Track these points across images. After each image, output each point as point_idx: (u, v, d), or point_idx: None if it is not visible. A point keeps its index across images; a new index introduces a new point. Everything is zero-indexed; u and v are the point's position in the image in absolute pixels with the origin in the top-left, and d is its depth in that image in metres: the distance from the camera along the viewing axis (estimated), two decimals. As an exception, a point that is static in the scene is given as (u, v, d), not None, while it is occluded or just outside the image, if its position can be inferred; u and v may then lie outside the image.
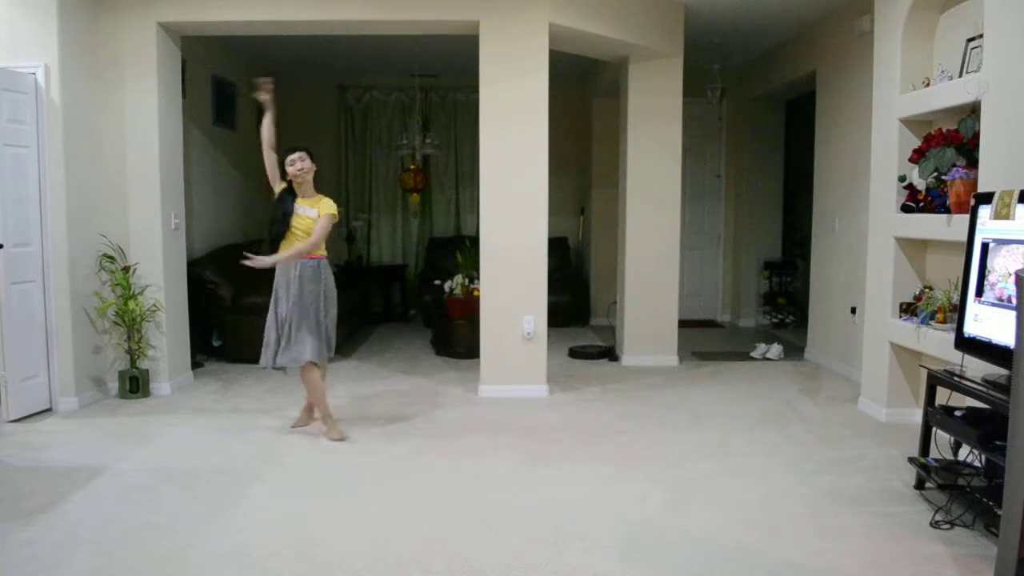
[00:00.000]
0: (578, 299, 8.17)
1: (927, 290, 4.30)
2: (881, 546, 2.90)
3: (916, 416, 4.27)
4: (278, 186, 4.18)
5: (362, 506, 3.30)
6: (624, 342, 6.26)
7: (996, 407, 2.91)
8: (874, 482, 3.55)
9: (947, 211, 3.96)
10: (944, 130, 4.03)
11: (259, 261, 3.91)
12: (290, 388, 5.39)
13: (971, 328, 3.23)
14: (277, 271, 4.12)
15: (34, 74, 4.58)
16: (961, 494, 3.11)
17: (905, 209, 4.39)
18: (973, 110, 3.86)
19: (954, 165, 3.89)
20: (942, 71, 4.12)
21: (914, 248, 4.46)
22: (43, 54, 4.60)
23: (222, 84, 7.00)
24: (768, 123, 8.00)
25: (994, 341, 3.05)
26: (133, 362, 5.05)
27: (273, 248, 4.09)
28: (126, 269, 5.00)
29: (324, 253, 4.16)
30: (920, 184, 4.28)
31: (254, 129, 7.81)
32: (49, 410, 4.73)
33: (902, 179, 4.41)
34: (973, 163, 3.79)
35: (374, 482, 3.59)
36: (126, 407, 4.86)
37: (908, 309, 4.35)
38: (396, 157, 8.62)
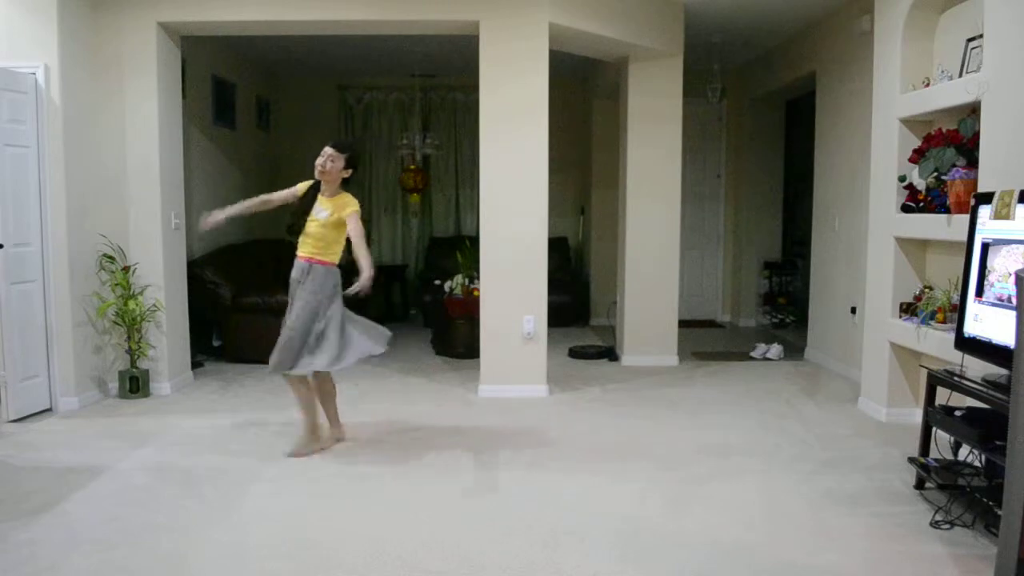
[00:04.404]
0: (578, 299, 8.17)
1: (927, 290, 4.30)
2: (881, 546, 2.90)
3: (916, 416, 4.27)
4: (303, 184, 3.98)
5: (361, 506, 3.30)
6: (624, 342, 6.25)
7: (996, 407, 2.90)
8: (874, 482, 3.55)
9: (947, 211, 3.96)
10: (944, 130, 4.03)
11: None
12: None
13: (971, 328, 3.23)
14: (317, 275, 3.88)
15: (34, 74, 4.58)
16: (961, 494, 3.11)
17: (905, 209, 4.39)
18: (973, 110, 3.86)
19: (954, 165, 3.88)
20: (942, 71, 4.12)
21: (914, 248, 4.46)
22: (43, 54, 4.60)
23: (222, 84, 7.00)
24: (768, 123, 8.00)
25: (994, 341, 3.05)
26: (133, 362, 5.05)
27: (294, 239, 3.93)
28: (126, 269, 5.00)
29: (330, 260, 3.90)
30: (920, 184, 4.28)
31: (254, 129, 7.84)
32: (49, 410, 4.73)
33: (902, 179, 4.41)
34: (973, 163, 3.79)
35: (373, 482, 3.58)
36: (126, 407, 4.86)
37: (908, 309, 4.35)
38: (396, 157, 8.63)
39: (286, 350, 3.82)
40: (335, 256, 3.93)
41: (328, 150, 3.87)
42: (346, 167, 3.89)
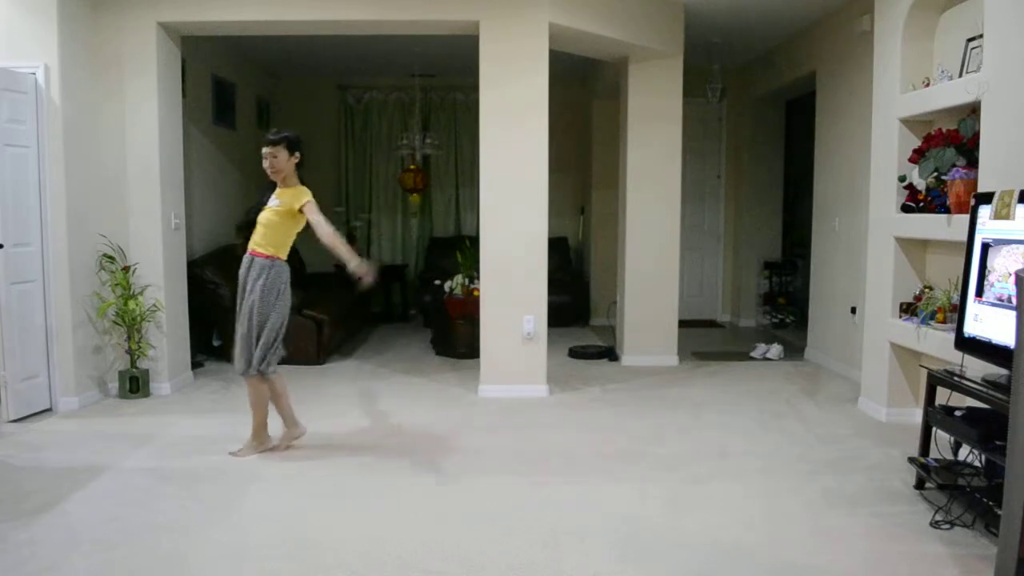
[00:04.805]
0: (578, 299, 8.16)
1: (927, 290, 4.30)
2: (881, 546, 2.90)
3: (916, 416, 4.27)
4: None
5: (361, 506, 3.30)
6: (624, 342, 6.25)
7: (996, 407, 2.90)
8: (874, 482, 3.55)
9: (947, 211, 3.96)
10: (944, 130, 4.03)
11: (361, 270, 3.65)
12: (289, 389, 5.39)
13: (971, 328, 3.23)
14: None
15: (34, 74, 4.58)
16: (961, 494, 3.11)
17: (905, 209, 4.39)
18: (973, 110, 3.86)
19: (954, 165, 3.88)
20: (942, 71, 4.12)
21: (914, 248, 4.46)
22: (43, 54, 4.60)
23: (222, 84, 7.00)
24: (768, 123, 8.00)
25: (994, 341, 3.05)
26: (133, 362, 5.05)
27: (245, 236, 3.88)
28: (126, 269, 5.00)
29: (271, 252, 3.79)
30: (920, 184, 4.28)
31: (254, 129, 7.84)
32: (49, 410, 4.73)
33: (902, 179, 4.41)
34: (973, 163, 3.79)
35: (373, 482, 3.58)
36: (126, 407, 4.86)
37: (908, 309, 4.35)
38: (396, 157, 8.63)
39: (245, 352, 3.83)
40: (282, 250, 3.83)
41: (265, 149, 3.79)
42: (291, 154, 3.81)
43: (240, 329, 3.85)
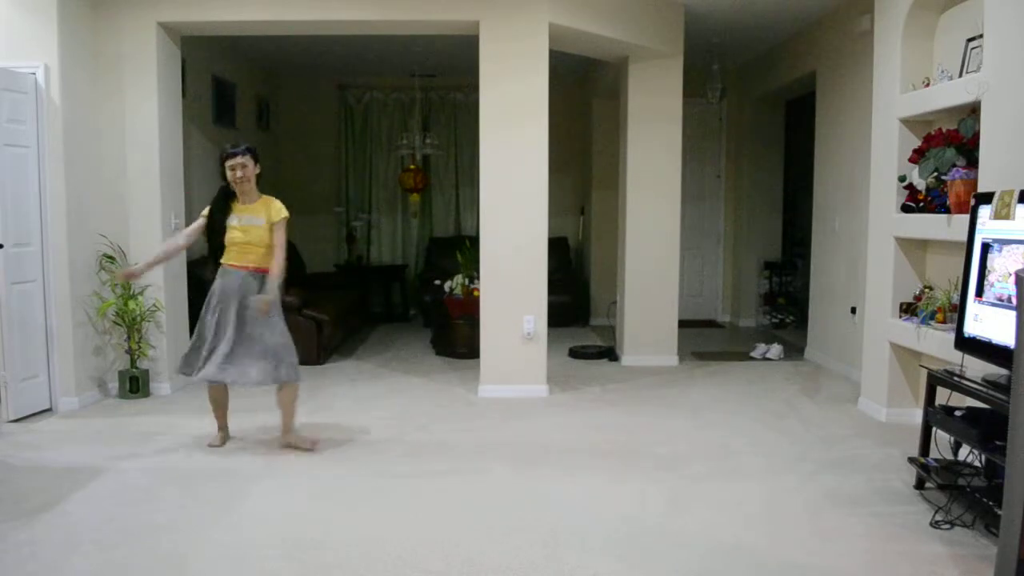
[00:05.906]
0: (578, 299, 8.17)
1: (927, 290, 4.30)
2: (881, 546, 2.90)
3: (916, 416, 4.26)
4: (206, 210, 3.95)
5: (362, 506, 3.30)
6: (624, 342, 6.25)
7: (996, 407, 2.90)
8: (874, 482, 3.55)
9: (947, 211, 3.96)
10: (944, 130, 4.03)
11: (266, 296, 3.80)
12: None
13: (971, 328, 3.23)
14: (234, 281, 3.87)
15: (34, 74, 4.58)
16: (961, 494, 3.11)
17: (905, 209, 4.39)
18: (973, 110, 3.86)
19: (954, 165, 3.88)
20: (942, 71, 4.12)
21: (914, 248, 4.46)
22: (43, 54, 4.60)
23: (222, 84, 7.00)
24: (768, 123, 8.00)
25: (994, 341, 3.05)
26: (133, 362, 5.05)
27: (215, 259, 3.91)
28: (126, 269, 5.01)
29: (264, 266, 3.90)
30: (920, 184, 4.28)
31: (254, 129, 7.85)
32: (49, 410, 4.73)
33: (902, 179, 4.41)
34: (973, 163, 3.79)
35: (374, 482, 3.59)
36: (126, 407, 4.86)
37: (908, 309, 4.35)
38: (396, 157, 8.63)
39: (275, 364, 3.88)
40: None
41: (235, 160, 3.82)
42: (256, 163, 3.92)
43: (260, 344, 3.86)
